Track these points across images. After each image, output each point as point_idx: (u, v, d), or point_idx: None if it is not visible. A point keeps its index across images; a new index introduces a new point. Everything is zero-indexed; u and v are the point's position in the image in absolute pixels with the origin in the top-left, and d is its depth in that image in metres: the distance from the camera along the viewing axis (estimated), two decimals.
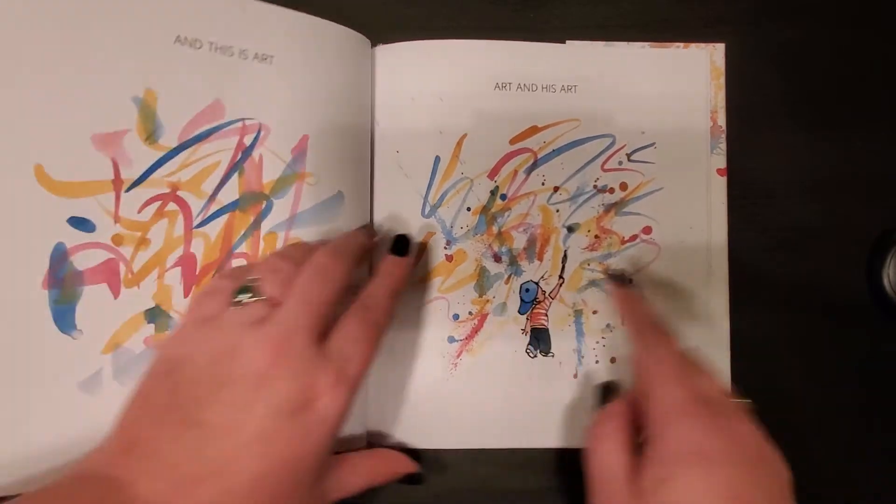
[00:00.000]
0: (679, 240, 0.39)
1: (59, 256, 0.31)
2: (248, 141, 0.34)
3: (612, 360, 0.39)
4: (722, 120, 0.40)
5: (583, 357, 0.39)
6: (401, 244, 0.35)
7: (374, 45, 0.39)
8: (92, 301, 0.31)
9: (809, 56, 0.41)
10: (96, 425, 0.29)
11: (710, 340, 0.39)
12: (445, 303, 0.39)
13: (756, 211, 0.40)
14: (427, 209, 0.39)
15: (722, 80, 0.40)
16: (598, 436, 0.31)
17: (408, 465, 0.34)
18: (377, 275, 0.33)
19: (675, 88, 0.40)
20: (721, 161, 0.40)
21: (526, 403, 0.38)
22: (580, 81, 0.39)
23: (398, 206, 0.39)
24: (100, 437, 0.27)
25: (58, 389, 0.30)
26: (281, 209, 0.35)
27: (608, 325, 0.39)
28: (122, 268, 0.32)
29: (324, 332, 0.28)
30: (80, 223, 0.31)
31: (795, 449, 0.39)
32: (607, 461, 0.30)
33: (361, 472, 0.31)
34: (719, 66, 0.40)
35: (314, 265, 0.29)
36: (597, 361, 0.39)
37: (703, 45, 0.40)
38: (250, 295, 0.28)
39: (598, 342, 0.39)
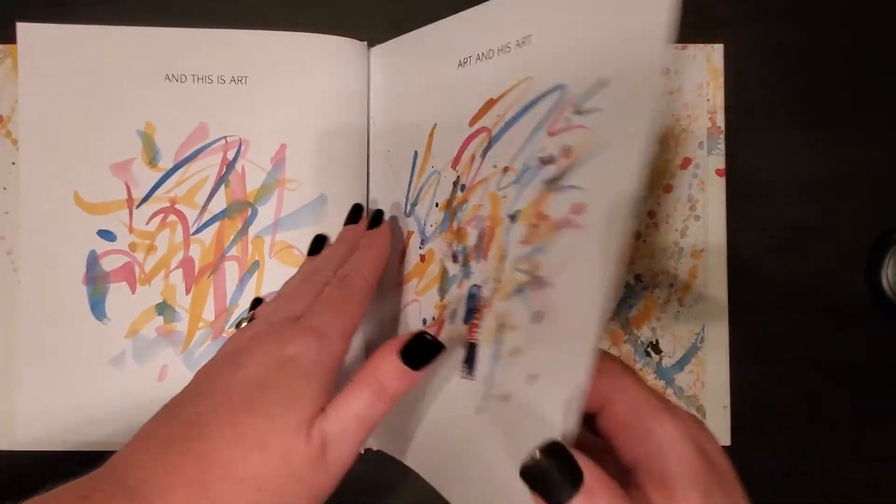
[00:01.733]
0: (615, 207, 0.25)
1: (92, 260, 0.39)
2: (230, 155, 0.39)
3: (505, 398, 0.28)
4: (721, 120, 0.40)
5: (492, 388, 0.29)
6: (356, 214, 0.37)
7: (371, 46, 0.40)
8: (116, 295, 0.39)
9: (809, 56, 0.40)
10: (121, 394, 0.38)
11: (710, 340, 0.38)
12: (418, 306, 0.35)
13: (756, 211, 0.40)
14: (408, 208, 0.37)
15: (721, 81, 0.40)
16: None
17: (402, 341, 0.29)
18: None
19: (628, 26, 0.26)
20: (720, 161, 0.40)
21: (454, 431, 0.31)
22: (535, 30, 0.31)
23: (389, 206, 0.38)
24: (123, 405, 0.38)
25: (94, 363, 0.38)
26: (266, 214, 0.39)
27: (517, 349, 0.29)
28: (137, 269, 0.39)
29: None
30: (105, 234, 0.39)
31: (795, 448, 0.39)
32: None
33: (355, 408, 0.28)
34: (718, 67, 0.40)
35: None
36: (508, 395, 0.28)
37: (701, 45, 0.40)
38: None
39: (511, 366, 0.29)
